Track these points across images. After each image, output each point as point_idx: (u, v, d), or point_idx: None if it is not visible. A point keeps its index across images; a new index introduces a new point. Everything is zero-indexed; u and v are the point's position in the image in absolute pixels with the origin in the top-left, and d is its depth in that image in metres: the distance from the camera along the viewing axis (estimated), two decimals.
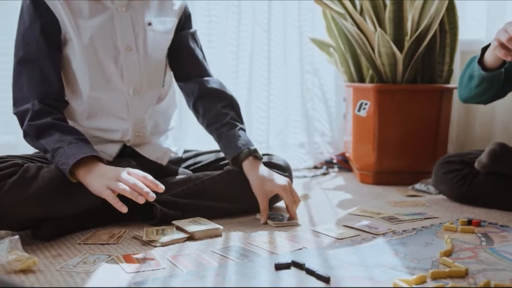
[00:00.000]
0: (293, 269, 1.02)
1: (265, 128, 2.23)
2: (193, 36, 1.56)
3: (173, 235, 1.24)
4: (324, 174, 2.25)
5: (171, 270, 1.03)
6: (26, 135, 1.33)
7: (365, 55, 1.88)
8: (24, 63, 1.34)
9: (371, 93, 1.92)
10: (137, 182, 1.19)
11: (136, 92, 1.42)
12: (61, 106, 1.37)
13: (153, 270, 1.02)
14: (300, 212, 1.53)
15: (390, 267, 1.04)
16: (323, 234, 1.29)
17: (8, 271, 1.01)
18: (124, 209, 1.19)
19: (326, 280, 0.95)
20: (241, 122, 1.52)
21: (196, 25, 2.04)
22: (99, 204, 1.28)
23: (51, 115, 1.32)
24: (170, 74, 1.55)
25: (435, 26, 1.80)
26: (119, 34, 1.38)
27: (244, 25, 2.14)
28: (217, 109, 1.50)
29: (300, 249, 1.16)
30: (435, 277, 0.97)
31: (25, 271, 1.01)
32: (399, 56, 1.82)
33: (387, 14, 1.84)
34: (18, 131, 1.43)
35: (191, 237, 1.25)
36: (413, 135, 1.93)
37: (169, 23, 1.47)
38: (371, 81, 1.99)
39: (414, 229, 1.33)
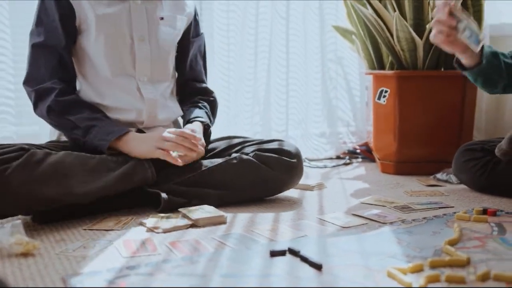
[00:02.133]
0: (288, 256, 1.01)
1: (284, 117, 2.21)
2: (200, 45, 1.64)
3: (176, 222, 1.24)
4: (346, 164, 2.21)
5: (166, 255, 1.03)
6: (50, 111, 1.38)
7: (384, 41, 1.83)
8: (43, 48, 1.40)
9: (391, 80, 1.87)
10: (180, 140, 1.35)
11: (148, 79, 1.48)
12: (74, 88, 1.45)
13: (148, 255, 1.02)
14: (311, 200, 1.51)
15: (390, 255, 1.00)
16: (329, 222, 1.26)
17: (10, 254, 1.04)
18: (179, 162, 1.35)
19: (318, 267, 0.93)
20: (210, 114, 1.60)
21: (215, 14, 2.05)
22: (110, 193, 1.30)
23: (72, 93, 1.41)
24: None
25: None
26: (134, 24, 1.44)
27: (263, 14, 2.12)
28: (194, 100, 1.61)
29: (302, 237, 1.14)
30: (433, 266, 0.93)
31: (25, 255, 1.03)
32: (419, 41, 1.76)
33: None
34: (41, 121, 1.48)
35: (195, 224, 1.24)
36: (435, 123, 1.87)
37: (179, 21, 1.53)
38: (391, 68, 1.93)
39: (424, 218, 1.28)
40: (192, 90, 1.63)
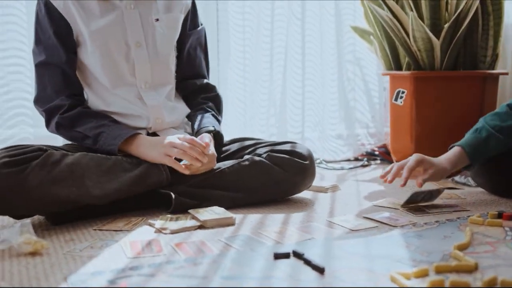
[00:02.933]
0: (292, 259, 1.00)
1: (300, 119, 2.19)
2: (198, 37, 1.59)
3: (184, 223, 1.24)
4: (364, 166, 2.18)
5: (171, 256, 1.03)
6: (59, 127, 1.41)
7: (400, 41, 1.80)
8: (45, 66, 1.41)
9: (407, 81, 1.84)
10: (188, 148, 1.32)
11: (148, 85, 1.47)
12: (83, 100, 1.47)
13: (153, 256, 1.03)
14: (324, 203, 1.50)
15: (396, 259, 0.99)
16: (338, 225, 1.25)
17: (18, 253, 1.05)
18: (186, 171, 1.34)
19: (320, 270, 0.92)
20: (217, 113, 1.57)
21: (230, 15, 2.05)
22: (123, 194, 1.32)
23: (80, 106, 1.42)
24: None
25: (474, 7, 1.69)
26: (129, 31, 1.43)
27: (279, 15, 2.11)
28: (198, 99, 1.58)
29: (308, 239, 1.13)
30: (439, 271, 0.91)
31: (34, 254, 1.05)
32: (436, 41, 1.73)
33: None
34: None
35: (203, 226, 1.24)
36: (454, 125, 1.83)
37: (176, 20, 1.51)
38: (408, 69, 1.90)
39: (437, 221, 1.26)
40: (193, 88, 1.59)
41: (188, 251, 1.05)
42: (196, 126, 1.50)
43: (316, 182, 1.73)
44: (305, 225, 1.24)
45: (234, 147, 1.58)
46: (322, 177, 1.95)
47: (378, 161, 2.27)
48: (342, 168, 2.12)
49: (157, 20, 1.46)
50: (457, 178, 1.77)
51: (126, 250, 1.06)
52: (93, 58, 1.41)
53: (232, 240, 1.13)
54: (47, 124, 1.43)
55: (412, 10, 1.80)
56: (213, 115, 1.55)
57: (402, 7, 1.89)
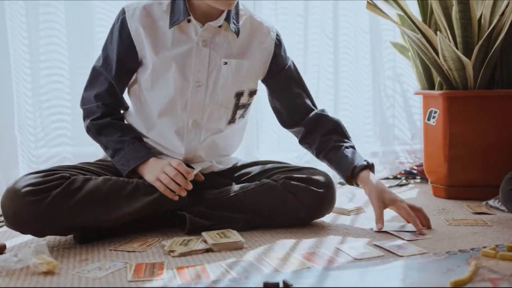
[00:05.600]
0: None
1: None
2: (289, 74, 1.56)
3: (194, 246, 1.28)
4: (401, 185, 2.13)
5: (168, 280, 1.07)
6: (88, 131, 1.51)
7: (429, 60, 1.76)
8: (99, 73, 1.49)
9: (439, 101, 1.79)
10: (174, 175, 1.36)
11: (195, 125, 1.47)
12: (120, 110, 1.54)
13: (150, 280, 1.07)
14: (341, 227, 1.49)
15: None
16: (344, 252, 1.24)
17: (33, 272, 1.14)
18: (175, 197, 1.37)
19: None
20: (346, 141, 1.54)
21: None
22: (141, 217, 1.38)
23: (111, 115, 1.49)
24: (244, 111, 1.56)
25: (508, 23, 1.62)
26: (193, 69, 1.43)
27: (313, 34, 2.12)
28: (320, 138, 1.54)
29: (306, 268, 1.13)
30: None
31: (47, 273, 1.13)
32: (466, 61, 1.67)
33: (454, 15, 1.70)
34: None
35: (211, 249, 1.28)
36: (488, 146, 1.76)
37: (247, 67, 1.47)
38: (441, 88, 1.85)
39: (447, 252, 1.22)
40: (309, 126, 1.56)
41: (186, 276, 1.09)
42: (344, 170, 1.49)
43: (344, 202, 1.73)
44: (310, 252, 1.25)
45: (255, 170, 1.59)
46: (353, 196, 1.94)
47: (418, 180, 2.22)
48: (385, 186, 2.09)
49: (226, 63, 1.44)
50: (491, 202, 1.70)
51: (129, 272, 1.12)
52: (149, 82, 1.45)
53: (233, 266, 1.15)
54: (83, 121, 1.52)
55: (445, 28, 1.75)
56: (352, 148, 1.53)
57: (435, 24, 1.84)
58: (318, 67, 2.14)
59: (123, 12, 1.44)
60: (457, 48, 1.72)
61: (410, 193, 2.00)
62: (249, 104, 1.55)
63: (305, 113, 1.57)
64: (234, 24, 1.44)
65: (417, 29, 1.75)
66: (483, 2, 1.71)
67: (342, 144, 1.52)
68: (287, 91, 1.56)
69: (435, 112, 1.81)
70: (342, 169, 1.50)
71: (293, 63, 1.59)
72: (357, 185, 1.50)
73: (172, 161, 1.39)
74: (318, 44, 2.13)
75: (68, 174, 1.33)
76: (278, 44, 1.53)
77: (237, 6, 1.47)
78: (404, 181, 2.17)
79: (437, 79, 1.88)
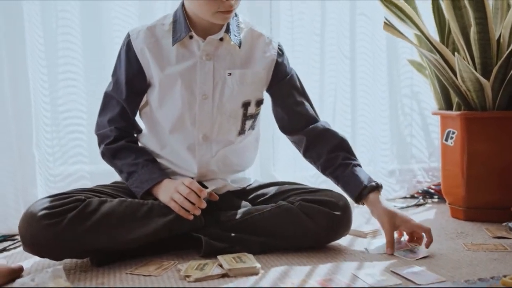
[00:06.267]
0: None
1: None
2: (290, 84, 1.57)
3: (210, 271, 1.28)
4: (418, 205, 2.11)
5: None
6: (103, 155, 1.53)
7: (448, 81, 1.74)
8: (111, 97, 1.52)
9: (457, 121, 1.77)
10: (187, 194, 1.36)
11: (206, 138, 1.49)
12: (134, 133, 1.56)
13: None
14: (358, 251, 1.47)
15: None
16: (361, 279, 1.23)
17: None
18: (190, 217, 1.37)
19: None
20: (353, 158, 1.55)
21: None
22: (157, 239, 1.39)
23: (125, 138, 1.51)
24: (252, 121, 1.56)
25: None
26: (199, 82, 1.45)
27: (330, 52, 2.12)
28: (326, 154, 1.54)
29: None
30: None
31: None
32: (485, 82, 1.66)
33: (472, 35, 1.68)
34: None
35: (227, 274, 1.28)
36: (509, 167, 1.74)
37: (252, 75, 1.50)
38: (459, 108, 1.83)
39: (467, 281, 1.20)
40: (312, 139, 1.56)
41: None
42: (355, 190, 1.49)
43: (360, 224, 1.71)
44: (326, 279, 1.23)
45: (271, 191, 1.59)
46: (370, 217, 1.91)
47: (436, 200, 2.19)
48: (394, 207, 2.06)
49: (230, 74, 1.47)
50: (511, 224, 1.67)
51: None
52: (158, 100, 1.47)
53: None
54: (98, 147, 1.54)
55: (463, 49, 1.73)
56: (359, 166, 1.53)
57: (453, 44, 1.83)
58: (335, 85, 2.13)
59: (128, 36, 1.49)
60: (475, 69, 1.71)
61: (427, 214, 1.97)
62: (257, 114, 1.57)
63: (307, 122, 1.57)
64: (236, 36, 1.47)
65: (434, 49, 1.73)
66: (502, 23, 1.70)
67: (350, 162, 1.52)
68: (290, 99, 1.57)
69: (453, 133, 1.79)
70: (350, 189, 1.50)
71: (296, 74, 1.61)
72: (363, 204, 1.51)
73: (185, 180, 1.40)
74: (335, 63, 2.12)
75: (83, 197, 1.34)
76: (281, 53, 1.55)
77: (237, 20, 1.51)
78: (421, 201, 2.14)
79: (455, 99, 1.86)
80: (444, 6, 1.73)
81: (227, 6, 1.35)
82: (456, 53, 1.63)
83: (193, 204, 1.37)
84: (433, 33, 1.87)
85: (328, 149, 1.54)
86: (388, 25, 1.73)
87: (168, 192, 1.40)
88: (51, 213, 1.27)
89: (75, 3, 1.85)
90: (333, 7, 2.10)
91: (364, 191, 1.47)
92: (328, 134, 1.57)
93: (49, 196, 1.34)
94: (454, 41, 1.82)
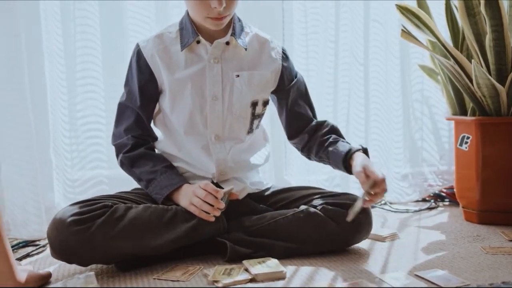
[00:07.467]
0: None
1: None
2: (297, 88, 1.62)
3: (238, 276, 1.30)
4: (430, 208, 2.14)
5: None
6: (122, 165, 1.55)
7: (463, 87, 1.77)
8: (125, 107, 1.56)
9: (472, 127, 1.80)
10: (204, 196, 1.38)
11: (218, 138, 1.53)
12: (150, 140, 1.58)
13: None
14: (379, 255, 1.49)
15: None
16: (387, 283, 1.25)
17: None
18: (211, 219, 1.39)
19: None
20: (343, 139, 1.59)
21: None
22: (183, 244, 1.41)
23: (142, 146, 1.54)
24: (259, 121, 1.61)
25: None
26: (208, 84, 1.50)
27: (343, 58, 2.14)
28: (318, 139, 1.59)
29: None
30: None
31: None
32: (500, 88, 1.68)
33: (487, 42, 1.71)
34: None
35: (254, 279, 1.29)
36: None
37: (259, 77, 1.54)
38: (473, 114, 1.86)
39: (491, 284, 1.22)
40: (309, 136, 1.62)
41: None
42: (339, 157, 1.50)
43: (376, 228, 1.73)
44: (353, 283, 1.26)
45: (292, 196, 1.61)
46: (384, 221, 1.94)
47: (447, 203, 2.22)
48: (407, 211, 2.09)
49: (238, 76, 1.51)
50: None
51: None
52: (169, 105, 1.51)
53: None
54: (116, 158, 1.57)
55: (478, 55, 1.76)
56: (342, 141, 1.56)
57: (467, 50, 1.85)
58: (348, 91, 2.16)
59: (137, 46, 1.54)
60: (490, 75, 1.73)
61: (441, 217, 2.00)
62: (263, 114, 1.62)
63: (306, 124, 1.62)
64: (241, 39, 1.52)
65: (450, 56, 1.76)
66: None
67: (339, 139, 1.57)
68: (294, 102, 1.61)
69: (468, 138, 1.82)
70: (339, 154, 1.51)
71: (301, 77, 1.65)
72: (350, 168, 1.49)
73: (201, 183, 1.42)
74: (348, 68, 2.14)
75: (110, 203, 1.37)
76: (285, 57, 1.60)
77: (242, 24, 1.55)
78: (433, 204, 2.17)
79: (469, 104, 1.89)
80: (459, 13, 1.76)
81: (215, 13, 1.40)
82: (473, 60, 1.65)
83: (212, 205, 1.39)
84: (447, 39, 1.90)
85: (319, 135, 1.59)
86: (406, 33, 1.76)
87: (187, 197, 1.43)
88: (80, 219, 1.29)
89: (94, 10, 1.87)
90: (347, 14, 2.13)
91: (350, 152, 1.48)
92: (322, 125, 1.61)
93: (76, 203, 1.36)
94: (468, 47, 1.85)
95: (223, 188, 1.48)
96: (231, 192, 1.45)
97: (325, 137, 1.59)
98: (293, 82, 1.61)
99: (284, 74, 1.58)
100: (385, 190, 1.40)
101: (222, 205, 1.40)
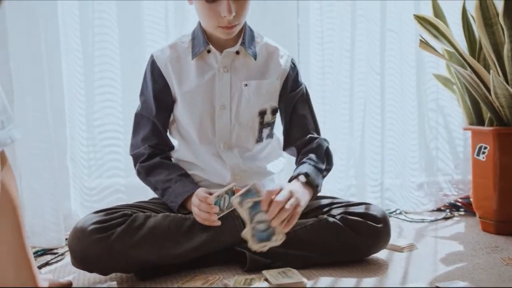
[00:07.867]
0: None
1: (379, 171, 2.19)
2: (300, 95, 1.61)
3: (258, 286, 1.30)
4: (446, 218, 2.13)
5: None
6: (139, 174, 1.57)
7: (480, 97, 1.77)
8: (141, 117, 1.58)
9: (490, 137, 1.79)
10: (198, 204, 1.38)
11: (226, 146, 1.55)
12: (167, 149, 1.60)
13: None
14: (398, 265, 1.49)
15: None
16: None
17: None
18: (215, 223, 1.38)
19: None
20: (317, 161, 1.52)
21: (310, 70, 2.11)
22: (203, 253, 1.41)
23: (159, 155, 1.55)
24: (269, 129, 1.62)
25: None
26: (217, 93, 1.52)
27: (359, 67, 2.15)
28: (300, 156, 1.57)
29: None
30: None
31: None
32: None
33: (505, 53, 1.71)
34: None
35: None
36: None
37: (267, 86, 1.55)
38: (491, 124, 1.85)
39: None
40: (300, 148, 1.59)
41: None
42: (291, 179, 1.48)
43: (393, 238, 1.73)
44: None
45: (310, 205, 1.58)
46: (401, 230, 1.94)
47: (462, 213, 2.21)
48: (422, 221, 2.08)
49: (246, 85, 1.53)
50: None
51: None
52: (182, 113, 1.54)
53: None
54: (134, 168, 1.58)
55: (495, 65, 1.76)
56: (309, 163, 1.50)
57: (484, 60, 1.85)
58: (364, 100, 2.16)
59: (151, 56, 1.57)
60: (508, 84, 1.73)
61: (457, 227, 1.99)
62: (273, 122, 1.62)
63: (302, 135, 1.59)
64: (251, 49, 1.53)
65: (467, 65, 1.76)
66: None
67: (306, 162, 1.50)
68: (294, 111, 1.60)
69: (485, 148, 1.82)
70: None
71: (306, 89, 1.64)
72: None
73: (198, 191, 1.43)
74: (364, 78, 2.15)
75: (130, 212, 1.37)
76: (293, 67, 1.61)
77: (252, 33, 1.57)
78: (449, 214, 2.16)
79: (486, 114, 1.88)
80: (476, 24, 1.76)
81: (225, 22, 1.42)
82: (491, 71, 1.65)
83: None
84: (463, 48, 1.90)
85: (303, 152, 1.56)
86: (424, 43, 1.76)
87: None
88: (101, 227, 1.30)
89: (111, 17, 1.89)
90: (363, 24, 2.13)
91: (292, 177, 1.46)
92: (313, 143, 1.56)
93: (96, 212, 1.37)
94: (484, 57, 1.85)
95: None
96: (234, 189, 1.42)
97: (304, 156, 1.55)
98: (296, 91, 1.60)
99: (288, 81, 1.58)
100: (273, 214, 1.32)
101: (216, 209, 1.39)
